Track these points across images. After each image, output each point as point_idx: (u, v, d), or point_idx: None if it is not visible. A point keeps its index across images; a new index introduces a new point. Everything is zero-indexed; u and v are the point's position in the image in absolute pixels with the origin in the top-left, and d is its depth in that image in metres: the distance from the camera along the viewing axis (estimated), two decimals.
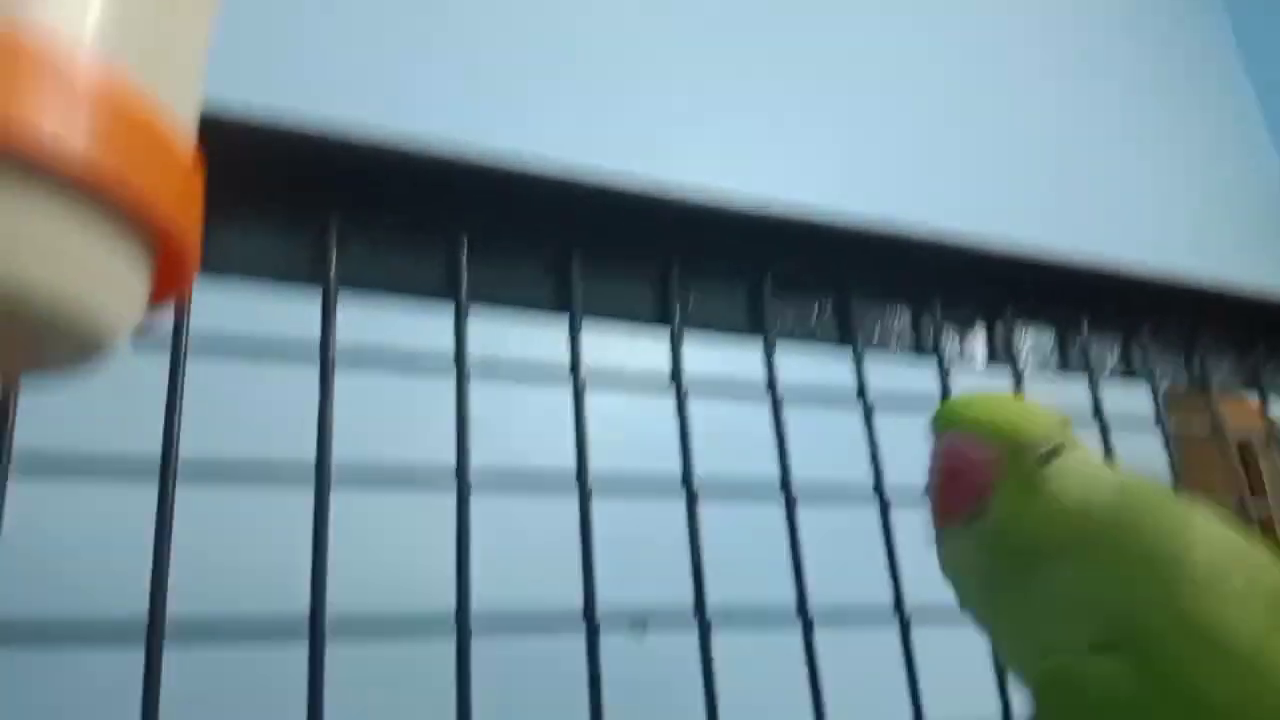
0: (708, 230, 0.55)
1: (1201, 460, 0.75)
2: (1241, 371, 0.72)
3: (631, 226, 0.54)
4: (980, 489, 0.41)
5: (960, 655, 0.62)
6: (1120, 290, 0.66)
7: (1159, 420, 0.66)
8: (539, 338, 0.55)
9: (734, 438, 0.68)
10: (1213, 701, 0.36)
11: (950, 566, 0.44)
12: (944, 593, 0.45)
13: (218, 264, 0.45)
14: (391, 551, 0.91)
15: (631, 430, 0.85)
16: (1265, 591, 0.39)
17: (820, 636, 0.52)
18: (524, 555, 0.88)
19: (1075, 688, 0.38)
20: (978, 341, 0.64)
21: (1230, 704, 0.36)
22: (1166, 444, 0.66)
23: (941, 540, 0.43)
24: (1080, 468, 0.42)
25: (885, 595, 0.55)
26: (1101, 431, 0.64)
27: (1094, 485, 0.42)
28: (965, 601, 0.44)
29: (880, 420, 0.58)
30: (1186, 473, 0.66)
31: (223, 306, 0.49)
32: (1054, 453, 0.42)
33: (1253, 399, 0.71)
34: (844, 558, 0.49)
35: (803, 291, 0.59)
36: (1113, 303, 0.67)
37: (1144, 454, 0.63)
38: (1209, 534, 0.41)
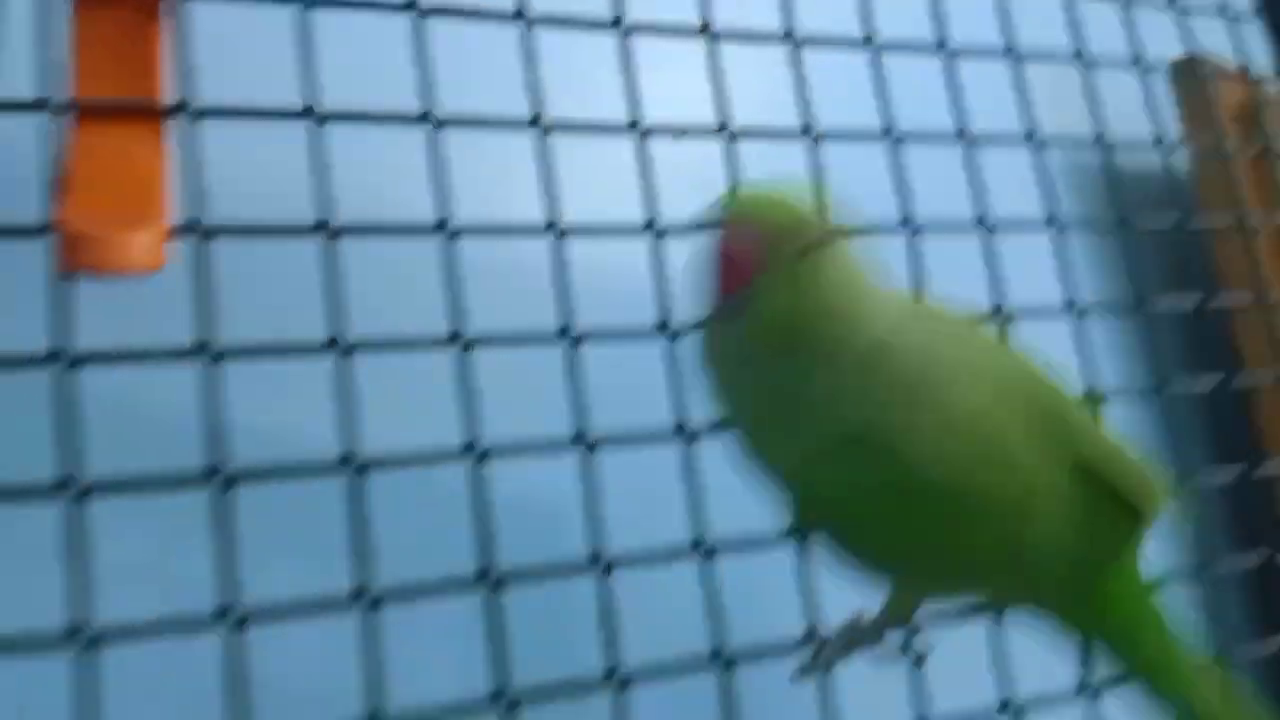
0: None
1: None
2: None
3: None
4: (744, 277, 0.41)
5: None
6: None
7: None
8: None
9: None
10: (945, 471, 0.41)
11: (708, 358, 0.44)
12: None
13: None
14: None
15: None
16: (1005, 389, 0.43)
17: None
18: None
19: (827, 476, 0.41)
20: None
21: (958, 471, 0.41)
22: None
23: (706, 331, 0.44)
24: (843, 271, 0.42)
25: None
26: None
27: (853, 288, 0.42)
28: (715, 395, 0.45)
29: None
30: None
31: None
32: (812, 249, 0.41)
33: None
34: None
35: None
36: None
37: None
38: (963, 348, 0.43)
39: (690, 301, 0.51)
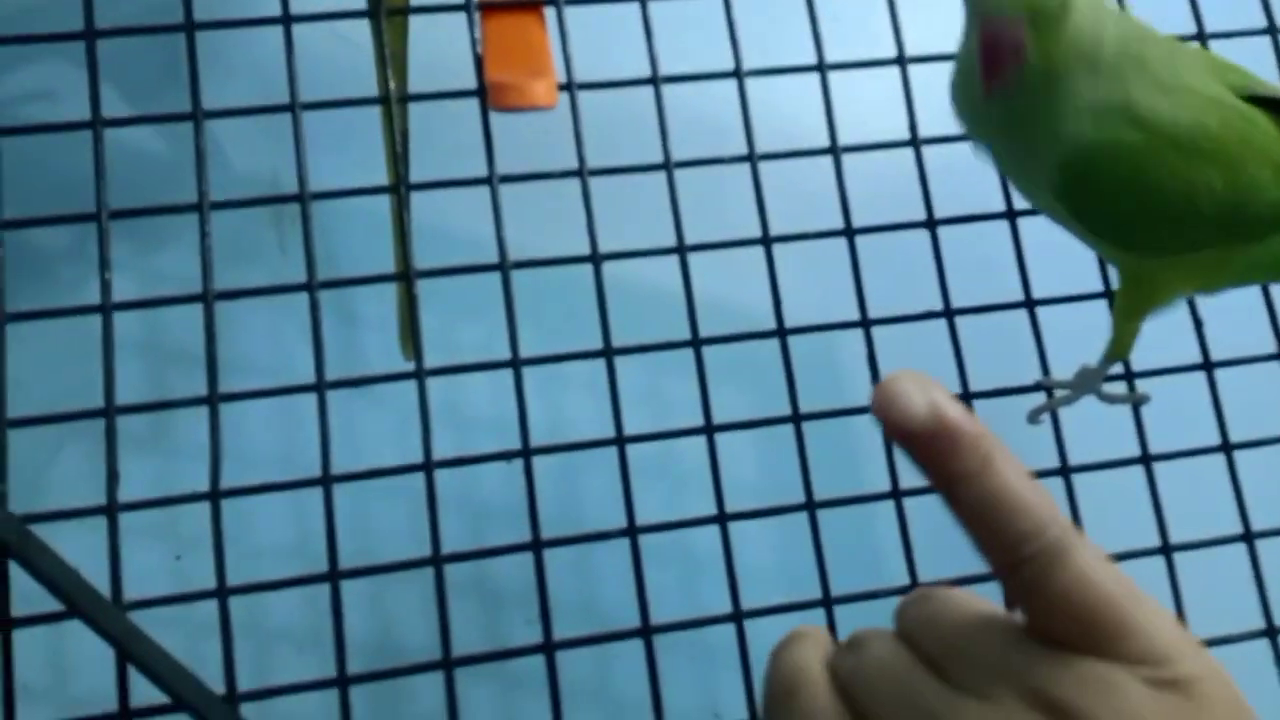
0: None
1: None
2: None
3: None
4: (1015, 52, 0.48)
5: None
6: None
7: None
8: None
9: None
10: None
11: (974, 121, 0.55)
12: None
13: None
14: None
15: None
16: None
17: None
18: None
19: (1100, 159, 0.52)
20: None
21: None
22: None
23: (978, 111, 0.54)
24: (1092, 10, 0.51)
25: None
26: None
27: (1102, 20, 0.51)
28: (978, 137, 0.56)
29: None
30: None
31: None
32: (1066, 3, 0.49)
33: None
34: None
35: None
36: None
37: None
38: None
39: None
